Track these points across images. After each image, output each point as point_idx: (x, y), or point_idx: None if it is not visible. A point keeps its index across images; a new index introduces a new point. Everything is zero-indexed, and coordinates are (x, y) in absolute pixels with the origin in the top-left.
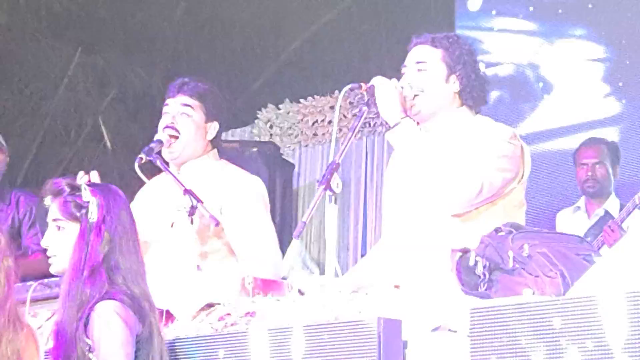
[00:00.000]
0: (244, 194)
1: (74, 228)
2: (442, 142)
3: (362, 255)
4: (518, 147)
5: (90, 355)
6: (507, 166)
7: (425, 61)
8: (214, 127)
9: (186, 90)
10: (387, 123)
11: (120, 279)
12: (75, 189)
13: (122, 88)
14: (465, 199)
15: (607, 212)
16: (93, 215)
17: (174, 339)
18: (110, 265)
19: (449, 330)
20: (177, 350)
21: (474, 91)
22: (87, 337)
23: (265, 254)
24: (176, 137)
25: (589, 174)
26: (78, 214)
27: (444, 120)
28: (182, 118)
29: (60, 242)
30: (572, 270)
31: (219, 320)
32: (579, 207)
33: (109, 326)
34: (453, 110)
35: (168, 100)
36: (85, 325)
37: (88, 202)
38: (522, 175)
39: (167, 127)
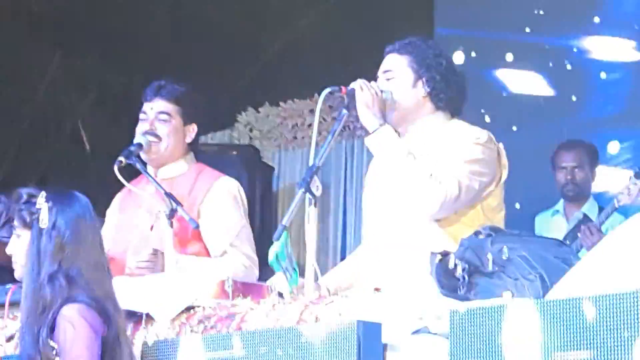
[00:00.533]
0: (217, 196)
1: (27, 235)
2: (419, 148)
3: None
4: (494, 150)
5: (57, 359)
6: (483, 170)
7: (391, 69)
8: (192, 129)
9: (163, 94)
10: (365, 128)
11: (82, 282)
12: (33, 197)
13: (102, 91)
14: (444, 205)
15: (585, 216)
16: (43, 221)
17: (153, 342)
18: (69, 270)
19: (429, 333)
20: (157, 354)
21: (443, 93)
22: (53, 340)
23: (238, 255)
24: (157, 142)
25: (569, 177)
26: (29, 221)
27: (418, 125)
28: (160, 123)
29: (17, 249)
30: (551, 273)
31: (198, 324)
32: (557, 211)
33: (75, 329)
34: (426, 115)
35: (145, 105)
36: (52, 329)
37: (39, 208)
38: (500, 179)
39: (146, 132)
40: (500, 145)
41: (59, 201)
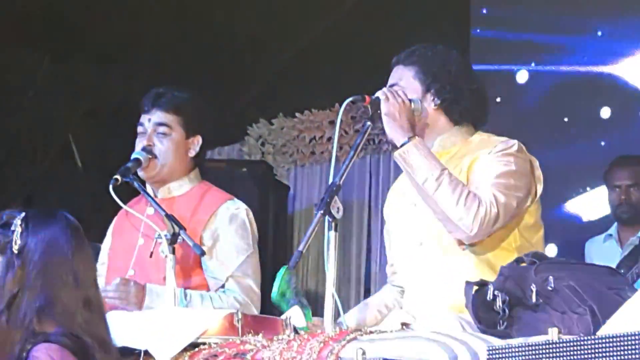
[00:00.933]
0: (222, 221)
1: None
2: (448, 166)
3: (366, 289)
4: (527, 160)
5: None
6: (518, 183)
7: (397, 83)
8: (196, 142)
9: (162, 105)
10: (392, 141)
11: (54, 314)
12: (12, 218)
13: (96, 101)
14: (483, 227)
15: None
16: (15, 245)
17: None
18: (33, 301)
19: None
20: None
21: (456, 104)
22: None
23: (235, 289)
24: (155, 159)
25: (623, 197)
26: (1, 245)
27: (440, 142)
28: (160, 138)
29: None
30: (603, 306)
31: None
32: (610, 235)
33: None
34: (444, 132)
35: (143, 117)
36: None
37: (14, 231)
38: (535, 194)
39: (144, 148)
40: (533, 157)
41: (33, 222)
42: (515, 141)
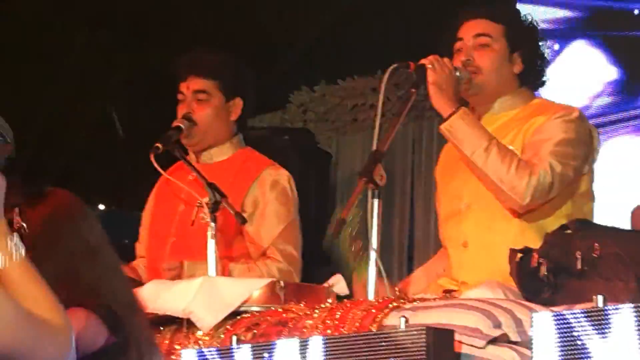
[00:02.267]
0: (263, 187)
1: None
2: (503, 131)
3: (409, 258)
4: (587, 129)
5: None
6: (576, 152)
7: (488, 34)
8: (237, 104)
9: (197, 71)
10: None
11: (75, 288)
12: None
13: (135, 68)
14: (536, 196)
15: None
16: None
17: (195, 351)
18: (52, 278)
19: (508, 342)
20: None
21: (536, 71)
22: None
23: (276, 256)
24: (195, 126)
25: None
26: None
27: (501, 104)
28: (199, 104)
29: None
30: None
31: (246, 331)
32: None
33: None
34: (510, 92)
35: (181, 85)
36: None
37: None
38: (591, 163)
39: (183, 116)
40: (592, 126)
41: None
42: (577, 108)
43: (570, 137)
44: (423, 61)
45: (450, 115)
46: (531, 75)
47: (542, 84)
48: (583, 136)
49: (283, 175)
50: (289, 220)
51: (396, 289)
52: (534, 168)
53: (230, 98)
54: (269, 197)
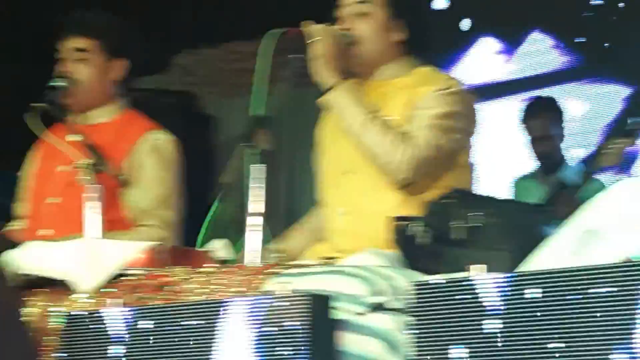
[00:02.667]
0: (144, 151)
1: None
2: (383, 100)
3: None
4: (468, 102)
5: None
6: (458, 124)
7: (367, 2)
8: (119, 65)
9: (77, 29)
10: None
11: None
12: None
13: (10, 26)
14: (415, 171)
15: (562, 181)
16: None
17: (72, 315)
18: None
19: (387, 309)
20: (77, 328)
21: (418, 39)
22: None
23: (155, 224)
24: (73, 86)
25: (538, 150)
26: None
27: (382, 72)
28: (77, 63)
29: None
30: (525, 242)
31: (126, 294)
32: (534, 175)
33: None
34: (391, 60)
35: (60, 43)
36: None
37: None
38: (471, 135)
39: (60, 75)
40: (473, 96)
41: None
42: (459, 80)
43: (452, 109)
44: (306, 30)
45: (330, 88)
46: (412, 44)
47: (425, 50)
48: (464, 109)
49: (165, 139)
50: (169, 186)
51: (277, 254)
52: (410, 141)
53: (113, 57)
54: (149, 162)
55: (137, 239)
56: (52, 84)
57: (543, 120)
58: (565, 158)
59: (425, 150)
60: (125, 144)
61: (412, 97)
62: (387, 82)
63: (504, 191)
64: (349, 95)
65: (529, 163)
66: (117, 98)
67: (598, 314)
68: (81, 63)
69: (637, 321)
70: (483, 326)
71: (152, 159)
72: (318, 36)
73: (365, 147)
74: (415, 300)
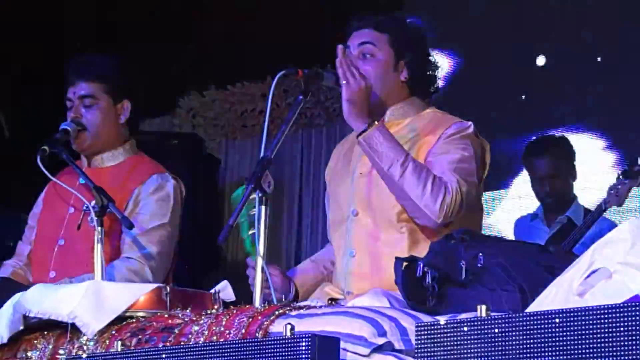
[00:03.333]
0: (147, 190)
1: None
2: (398, 137)
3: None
4: (480, 144)
5: None
6: (473, 168)
7: (373, 42)
8: (125, 107)
9: (84, 75)
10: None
11: None
12: None
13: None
14: (449, 215)
15: (569, 219)
16: None
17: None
18: None
19: (393, 350)
20: None
21: (424, 80)
22: None
23: (144, 253)
24: (84, 131)
25: (546, 189)
26: None
27: (393, 113)
28: (87, 109)
29: None
30: (532, 283)
31: (131, 337)
32: (536, 215)
33: None
34: (401, 101)
35: (69, 91)
36: None
37: None
38: (482, 177)
39: (72, 120)
40: (484, 140)
41: None
42: (471, 123)
43: (470, 154)
44: (340, 76)
45: (367, 128)
46: (419, 84)
47: (434, 92)
48: (478, 151)
49: (169, 182)
50: (160, 222)
51: (282, 296)
52: (447, 187)
53: (118, 100)
54: (149, 198)
55: (116, 272)
56: (61, 127)
57: (550, 158)
58: (574, 198)
59: (455, 195)
60: (130, 186)
61: (425, 142)
62: (398, 123)
63: (509, 230)
64: (387, 133)
65: (535, 202)
66: (124, 141)
67: (607, 356)
68: (90, 108)
69: None
70: None
71: (152, 197)
72: (349, 81)
73: (402, 189)
74: (421, 342)
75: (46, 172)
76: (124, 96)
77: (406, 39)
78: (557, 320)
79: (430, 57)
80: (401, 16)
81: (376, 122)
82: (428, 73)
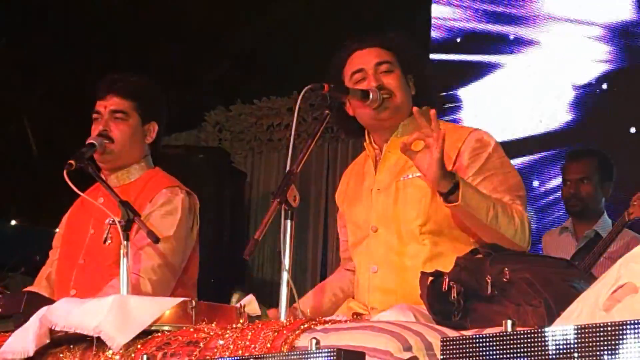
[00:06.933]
0: (156, 203)
1: None
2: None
3: (322, 278)
4: (496, 141)
5: None
6: (517, 176)
7: (389, 61)
8: (152, 128)
9: (118, 90)
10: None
11: None
12: None
13: (52, 85)
14: (529, 236)
15: (597, 234)
16: None
17: None
18: None
19: None
20: None
21: (429, 92)
22: None
23: (143, 266)
24: (111, 143)
25: (572, 191)
26: None
27: (405, 127)
28: (116, 123)
29: None
30: (558, 298)
31: (157, 350)
32: (566, 228)
33: None
34: (409, 115)
35: (98, 104)
36: None
37: None
38: None
39: (99, 133)
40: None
41: None
42: (489, 134)
43: (506, 161)
44: (415, 139)
45: (453, 190)
46: (425, 98)
47: (438, 105)
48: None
49: (178, 197)
50: (164, 236)
51: (308, 310)
52: (521, 214)
53: (147, 121)
54: (156, 212)
55: (110, 288)
56: (88, 141)
57: (584, 163)
58: (602, 211)
59: (524, 217)
60: (144, 200)
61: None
62: (408, 137)
63: (536, 245)
64: (472, 188)
65: (564, 215)
66: (144, 158)
67: None
68: (118, 122)
69: None
70: None
71: (159, 210)
72: (438, 144)
73: (495, 231)
74: (446, 357)
75: (72, 186)
76: (152, 118)
77: (411, 55)
78: (583, 335)
79: (432, 74)
80: (402, 33)
81: (456, 176)
82: (431, 86)
